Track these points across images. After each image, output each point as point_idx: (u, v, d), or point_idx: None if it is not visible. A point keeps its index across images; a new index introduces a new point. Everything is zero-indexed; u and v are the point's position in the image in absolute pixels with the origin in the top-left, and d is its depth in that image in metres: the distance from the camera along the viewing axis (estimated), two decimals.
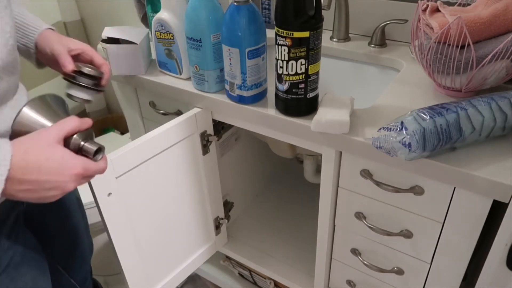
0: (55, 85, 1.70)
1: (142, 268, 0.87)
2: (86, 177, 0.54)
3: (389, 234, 0.76)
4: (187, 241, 0.98)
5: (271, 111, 0.77)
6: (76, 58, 0.72)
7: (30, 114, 0.55)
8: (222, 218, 1.07)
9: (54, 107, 0.58)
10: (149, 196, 0.83)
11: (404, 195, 0.71)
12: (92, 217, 1.30)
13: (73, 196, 0.85)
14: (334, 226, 0.86)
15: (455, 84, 0.73)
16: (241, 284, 1.27)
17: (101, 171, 0.55)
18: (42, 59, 0.73)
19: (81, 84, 0.70)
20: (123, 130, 1.83)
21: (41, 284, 0.70)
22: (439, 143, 0.60)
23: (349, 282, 0.92)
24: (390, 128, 0.62)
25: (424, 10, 0.74)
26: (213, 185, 0.99)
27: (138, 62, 0.92)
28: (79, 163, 0.51)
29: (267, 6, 1.11)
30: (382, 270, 0.82)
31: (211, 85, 0.84)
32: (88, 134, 0.55)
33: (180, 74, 0.90)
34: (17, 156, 0.47)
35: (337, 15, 1.01)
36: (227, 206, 1.13)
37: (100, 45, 0.96)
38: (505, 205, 0.58)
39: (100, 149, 0.55)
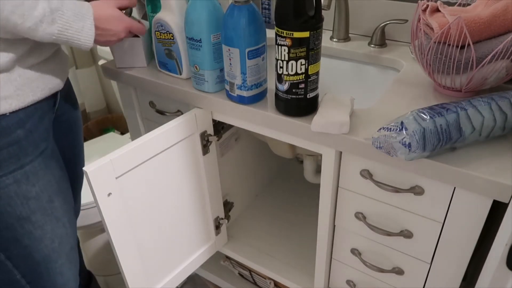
0: None
1: (142, 268, 0.87)
2: (131, 31, 0.81)
3: (389, 234, 0.76)
4: (187, 241, 0.98)
5: (271, 111, 0.77)
6: None
7: None
8: (222, 218, 1.07)
9: None
10: (149, 196, 0.83)
11: (404, 195, 0.71)
12: (92, 217, 1.30)
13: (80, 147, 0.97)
14: (334, 226, 0.86)
15: (455, 84, 0.73)
16: (241, 284, 1.27)
17: (142, 31, 0.84)
18: None
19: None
20: (123, 130, 1.83)
21: (64, 185, 0.82)
22: (439, 143, 0.60)
23: (349, 282, 0.92)
24: (390, 128, 0.62)
25: (424, 10, 0.74)
26: (213, 185, 0.99)
27: (140, 55, 0.94)
28: (128, 20, 0.79)
29: (267, 6, 1.11)
30: (382, 270, 0.82)
31: (211, 85, 0.84)
32: (131, 10, 0.88)
33: (180, 74, 0.90)
34: (94, 12, 0.71)
35: (337, 15, 1.01)
36: (227, 206, 1.13)
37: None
38: (505, 205, 0.58)
39: (139, 21, 0.87)
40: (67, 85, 0.87)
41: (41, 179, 0.74)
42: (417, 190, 0.69)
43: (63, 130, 0.87)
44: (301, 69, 0.69)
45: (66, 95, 0.87)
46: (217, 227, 1.07)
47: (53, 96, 0.78)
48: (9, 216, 0.71)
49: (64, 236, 0.80)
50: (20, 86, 0.68)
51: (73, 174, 0.92)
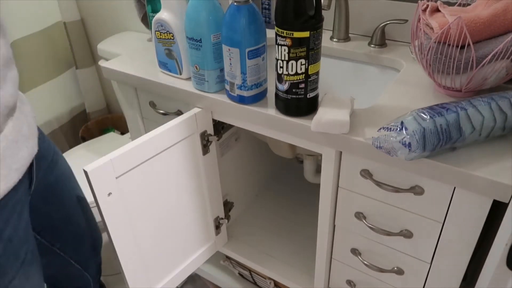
0: (55, 85, 1.70)
1: (142, 268, 0.87)
2: None
3: (389, 234, 0.76)
4: (187, 241, 0.98)
5: (271, 111, 0.77)
6: None
7: None
8: (222, 218, 1.07)
9: None
10: (149, 196, 0.83)
11: (404, 195, 0.71)
12: None
13: (73, 193, 0.85)
14: (334, 226, 0.86)
15: (455, 84, 0.73)
16: (241, 284, 1.27)
17: None
18: None
19: None
20: (123, 130, 1.83)
21: None
22: (439, 143, 0.60)
23: (349, 282, 0.92)
24: (390, 128, 0.62)
25: (424, 10, 0.74)
26: (213, 185, 0.99)
27: None
28: None
29: (267, 6, 1.11)
30: (382, 270, 0.82)
31: (211, 85, 0.84)
32: None
33: (180, 74, 0.90)
34: None
35: (337, 15, 1.01)
36: (227, 206, 1.13)
37: (101, 46, 0.95)
38: (505, 205, 0.58)
39: None
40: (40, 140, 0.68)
41: None
42: (417, 190, 0.69)
43: (44, 201, 0.73)
44: (301, 69, 0.69)
45: (40, 156, 0.69)
46: (217, 227, 1.07)
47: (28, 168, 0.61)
48: None
49: None
50: None
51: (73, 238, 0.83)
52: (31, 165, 0.65)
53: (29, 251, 0.63)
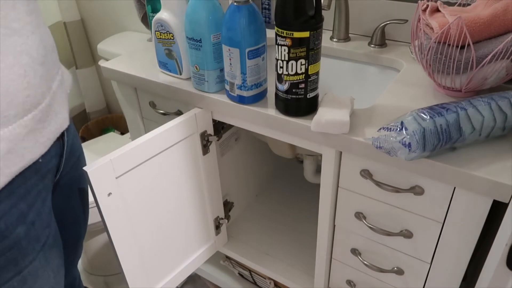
0: None
1: (142, 268, 0.87)
2: None
3: (389, 234, 0.76)
4: (187, 241, 0.99)
5: (271, 111, 0.77)
6: None
7: None
8: (222, 218, 1.07)
9: None
10: (149, 196, 0.83)
11: (404, 195, 0.71)
12: (92, 217, 1.30)
13: (86, 196, 0.86)
14: (334, 226, 0.86)
15: (455, 84, 0.73)
16: (241, 284, 1.27)
17: None
18: None
19: None
20: (123, 130, 1.83)
21: (61, 276, 0.71)
22: (439, 143, 0.60)
23: (349, 282, 0.92)
24: (390, 128, 0.62)
25: (424, 10, 0.74)
26: (213, 185, 0.99)
27: None
28: None
29: (267, 6, 1.11)
30: (382, 270, 0.82)
31: (211, 85, 0.84)
32: None
33: (180, 74, 0.90)
34: None
35: (337, 15, 1.01)
36: (227, 206, 1.13)
37: (101, 46, 0.96)
38: (505, 205, 0.58)
39: None
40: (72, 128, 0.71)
41: (40, 279, 0.63)
42: (417, 190, 0.69)
43: (63, 195, 0.74)
44: (301, 69, 0.69)
45: (72, 143, 0.71)
46: (217, 227, 1.07)
47: (58, 142, 0.64)
48: None
49: None
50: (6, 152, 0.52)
51: (74, 233, 0.83)
52: (61, 156, 0.67)
53: (51, 235, 0.65)
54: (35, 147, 0.56)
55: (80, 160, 0.78)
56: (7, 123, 0.51)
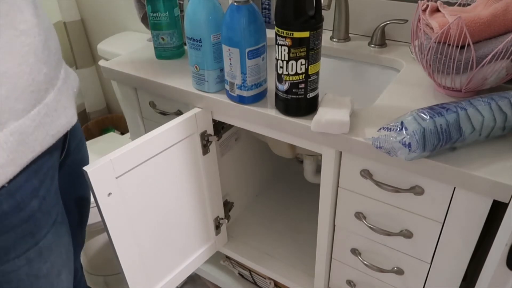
0: None
1: (142, 268, 0.87)
2: None
3: (389, 234, 0.76)
4: (187, 241, 0.98)
5: (271, 111, 0.77)
6: None
7: None
8: (222, 218, 1.07)
9: None
10: (149, 196, 0.83)
11: (404, 195, 0.71)
12: (92, 217, 1.30)
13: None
14: (334, 226, 0.86)
15: (455, 84, 0.73)
16: (241, 284, 1.27)
17: None
18: None
19: None
20: (123, 130, 1.83)
21: (71, 255, 0.75)
22: (439, 143, 0.60)
23: (349, 282, 0.92)
24: (390, 128, 0.62)
25: (424, 10, 0.74)
26: (213, 185, 0.99)
27: None
28: None
29: (267, 6, 1.11)
30: (382, 270, 0.82)
31: (211, 85, 0.84)
32: None
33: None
34: None
35: (337, 15, 1.01)
36: (227, 206, 1.13)
37: (101, 46, 0.96)
38: (505, 205, 0.58)
39: None
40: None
41: (53, 253, 0.67)
42: (417, 190, 0.69)
43: (67, 178, 0.78)
44: (301, 69, 0.69)
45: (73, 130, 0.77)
46: (217, 227, 1.07)
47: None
48: None
49: None
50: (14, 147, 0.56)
51: (79, 216, 0.86)
52: (66, 137, 0.73)
53: (60, 213, 0.69)
54: (45, 140, 0.60)
55: (81, 142, 0.83)
56: (16, 117, 0.55)
